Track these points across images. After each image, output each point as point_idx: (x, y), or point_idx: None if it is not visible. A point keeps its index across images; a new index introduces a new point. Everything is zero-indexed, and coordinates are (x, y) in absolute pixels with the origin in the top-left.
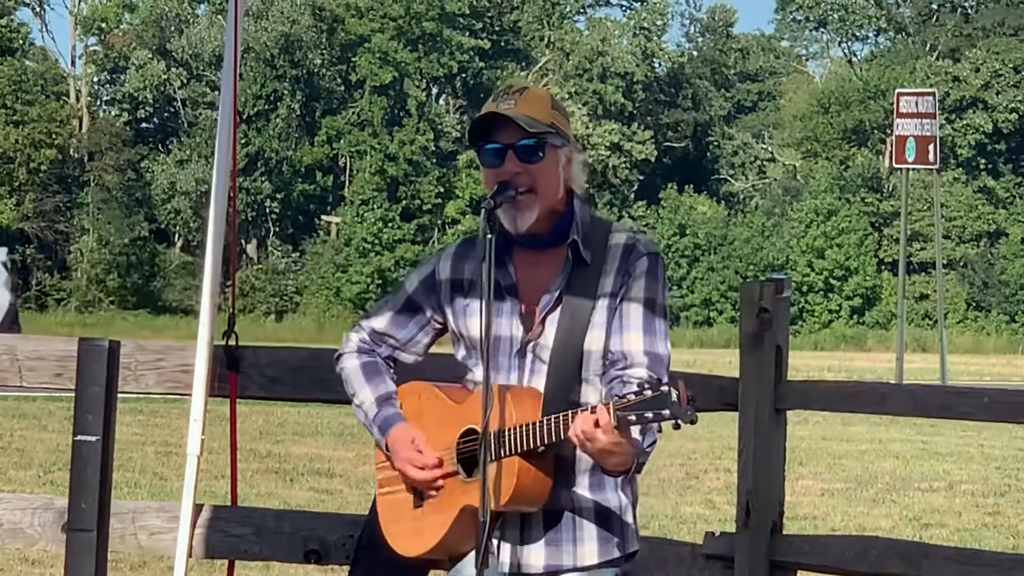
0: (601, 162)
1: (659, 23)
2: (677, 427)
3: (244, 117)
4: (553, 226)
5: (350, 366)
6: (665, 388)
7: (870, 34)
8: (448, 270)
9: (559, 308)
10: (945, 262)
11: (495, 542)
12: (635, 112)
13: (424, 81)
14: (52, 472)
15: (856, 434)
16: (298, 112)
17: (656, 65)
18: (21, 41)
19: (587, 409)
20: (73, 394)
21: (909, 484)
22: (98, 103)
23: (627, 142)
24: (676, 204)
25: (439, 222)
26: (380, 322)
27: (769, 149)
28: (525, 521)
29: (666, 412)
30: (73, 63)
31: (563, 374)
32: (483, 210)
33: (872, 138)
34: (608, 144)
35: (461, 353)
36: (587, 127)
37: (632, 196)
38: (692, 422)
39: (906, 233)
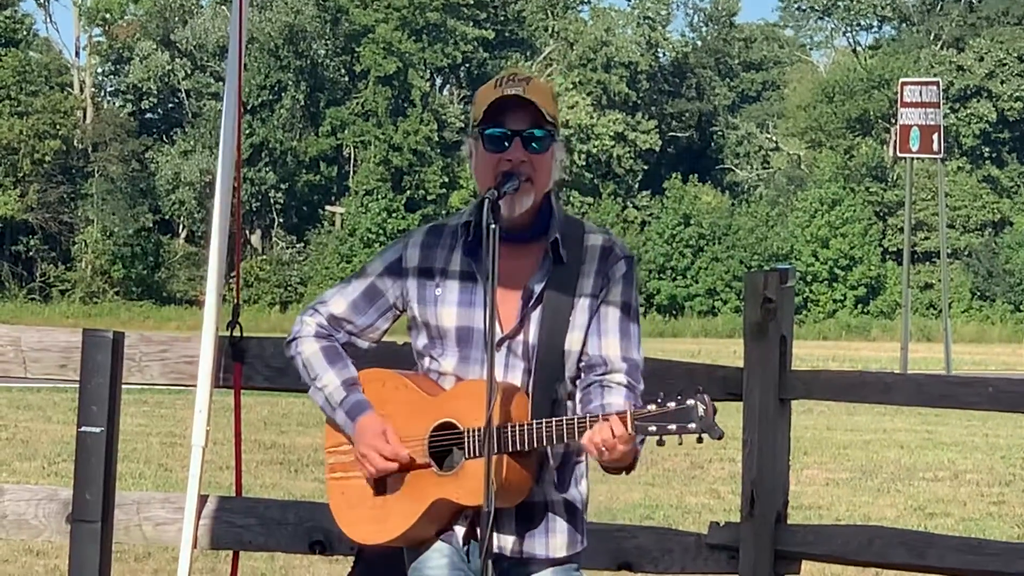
0: (605, 152)
1: (663, 12)
2: (700, 440)
3: (248, 107)
4: (533, 221)
5: (309, 350)
6: (691, 401)
7: (874, 23)
8: (417, 258)
9: (540, 307)
10: (949, 251)
11: (464, 528)
12: (639, 102)
13: (428, 71)
14: (57, 463)
15: (861, 424)
16: (302, 102)
17: (660, 55)
18: (25, 32)
19: (598, 417)
20: (78, 385)
21: (914, 474)
22: (102, 94)
23: (631, 132)
24: (680, 194)
25: (443, 212)
26: (339, 307)
27: (773, 139)
28: (500, 512)
29: (692, 426)
30: (77, 54)
31: (547, 373)
32: (487, 200)
33: (876, 127)
34: (612, 134)
35: (422, 342)
36: (591, 117)
37: (636, 186)
38: (719, 437)
39: (910, 222)
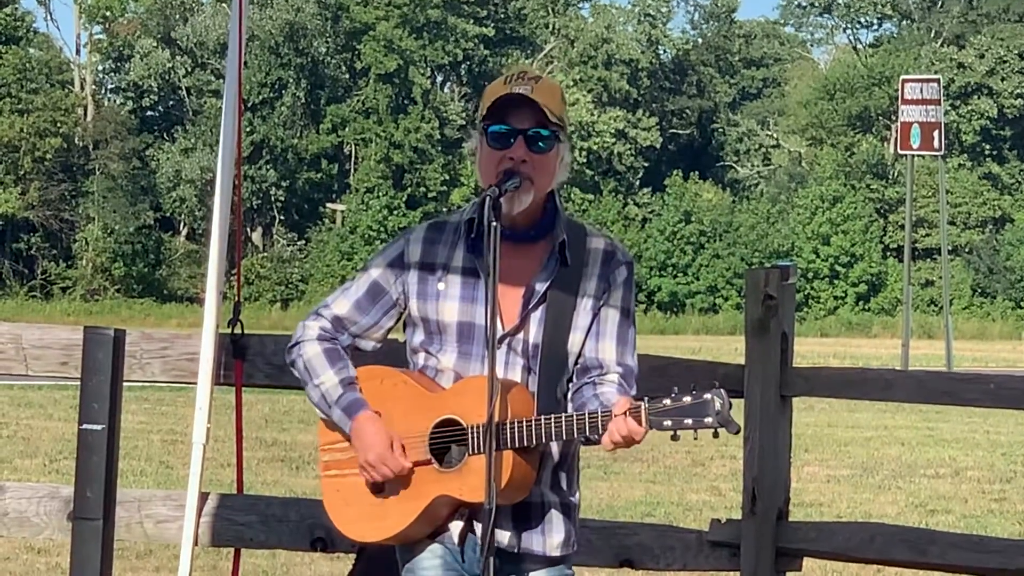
0: (606, 149)
1: (663, 10)
2: (716, 435)
3: (249, 105)
4: (535, 221)
5: (311, 352)
6: (708, 396)
7: (875, 20)
8: (418, 253)
9: (543, 306)
10: (950, 248)
11: (461, 523)
12: (640, 99)
13: (429, 69)
14: (58, 461)
15: (862, 420)
16: (303, 100)
17: (661, 52)
18: (26, 30)
19: (609, 412)
20: (79, 383)
21: (915, 470)
22: (103, 91)
23: (632, 129)
24: (681, 191)
25: (444, 210)
26: (342, 308)
27: (774, 136)
28: (498, 508)
29: (709, 420)
30: (78, 51)
31: (552, 372)
32: (487, 198)
33: (877, 124)
34: (613, 131)
35: (419, 338)
36: (592, 114)
37: (637, 183)
38: (736, 431)
39: (911, 219)
